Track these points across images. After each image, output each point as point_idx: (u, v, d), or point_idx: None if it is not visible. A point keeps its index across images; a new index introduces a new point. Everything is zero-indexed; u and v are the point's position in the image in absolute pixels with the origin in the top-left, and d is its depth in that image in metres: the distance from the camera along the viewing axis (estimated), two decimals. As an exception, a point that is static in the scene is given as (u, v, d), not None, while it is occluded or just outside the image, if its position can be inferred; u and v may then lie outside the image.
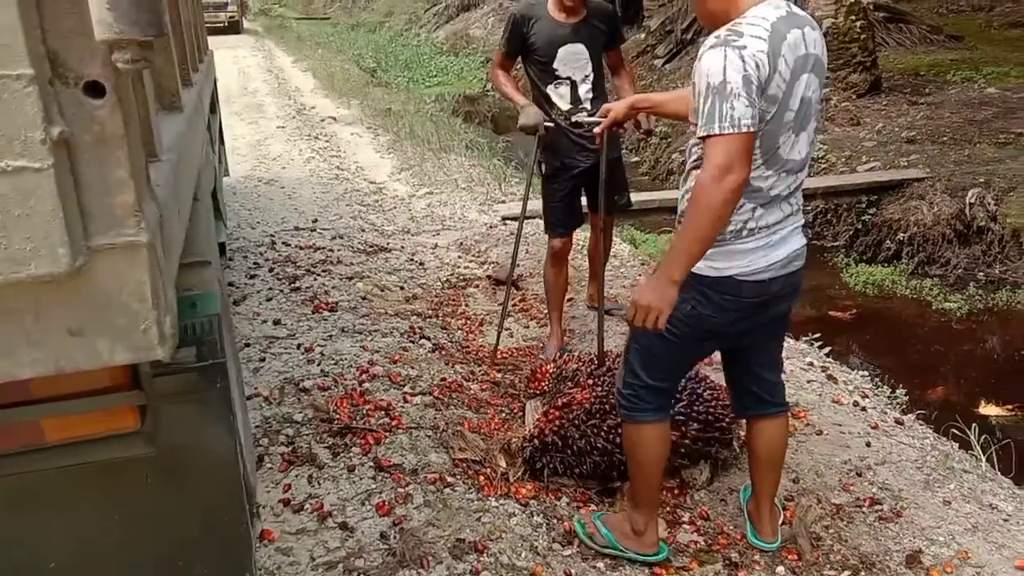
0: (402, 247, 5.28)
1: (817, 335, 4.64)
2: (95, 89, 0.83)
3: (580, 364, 3.01)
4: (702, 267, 2.10)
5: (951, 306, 6.35)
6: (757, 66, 1.89)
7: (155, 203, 0.95)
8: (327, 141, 8.57)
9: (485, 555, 2.35)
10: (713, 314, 2.15)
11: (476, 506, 2.58)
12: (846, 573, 2.40)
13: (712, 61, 1.91)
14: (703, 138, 1.94)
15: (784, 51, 1.94)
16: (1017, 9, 15.13)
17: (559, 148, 3.52)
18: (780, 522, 2.58)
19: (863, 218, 7.57)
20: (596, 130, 2.83)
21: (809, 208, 7.99)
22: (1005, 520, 2.67)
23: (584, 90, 3.49)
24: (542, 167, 3.61)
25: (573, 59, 3.44)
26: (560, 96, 3.49)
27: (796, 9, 2.04)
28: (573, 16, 3.41)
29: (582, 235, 4.50)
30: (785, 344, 4.01)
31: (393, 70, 17.01)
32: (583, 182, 3.62)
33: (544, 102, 3.51)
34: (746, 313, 2.18)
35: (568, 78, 3.46)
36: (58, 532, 1.43)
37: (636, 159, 10.32)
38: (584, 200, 3.75)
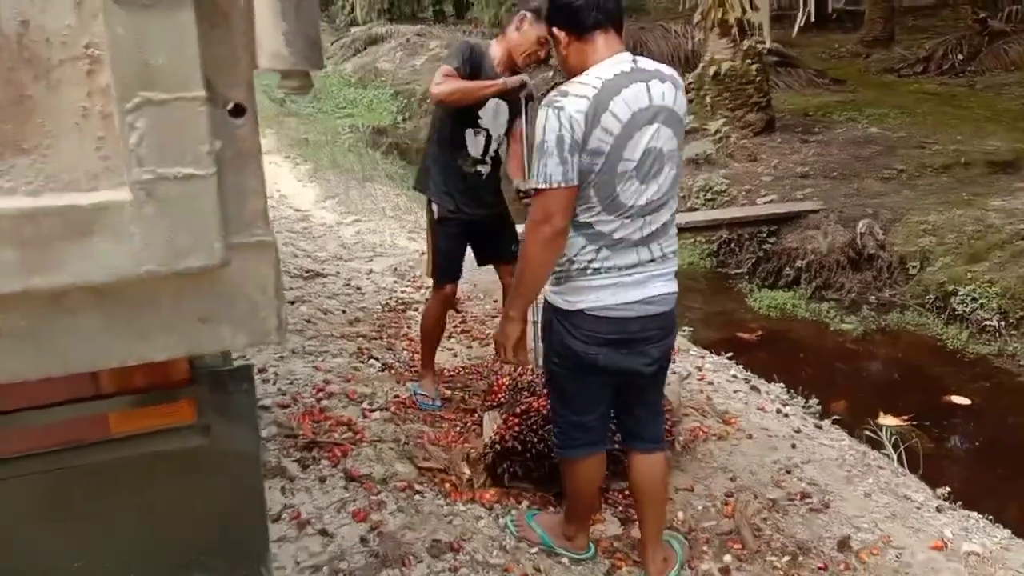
0: (337, 272, 5.37)
1: (729, 355, 4.99)
2: (238, 110, 0.98)
3: (535, 375, 3.20)
4: (557, 300, 2.32)
5: (847, 327, 6.86)
6: (571, 127, 2.09)
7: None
8: (246, 170, 8.55)
9: (461, 554, 2.50)
10: (581, 349, 2.29)
11: (446, 511, 2.73)
12: (786, 558, 2.67)
13: (538, 120, 2.16)
14: (532, 191, 2.19)
15: (615, 106, 2.10)
16: (890, 56, 16.40)
17: (456, 193, 3.43)
18: (676, 567, 2.59)
19: (764, 247, 8.06)
20: None
21: (715, 238, 8.50)
22: (918, 508, 3.00)
23: (493, 148, 3.46)
24: (433, 208, 3.49)
25: (498, 115, 3.40)
26: (475, 144, 3.41)
27: (645, 63, 2.23)
28: (506, 74, 3.35)
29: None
30: (710, 360, 4.36)
31: (302, 101, 16.96)
32: (476, 231, 3.55)
33: (455, 144, 3.41)
34: (610, 348, 2.29)
35: (486, 130, 3.41)
36: (95, 525, 1.52)
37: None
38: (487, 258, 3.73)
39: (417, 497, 2.77)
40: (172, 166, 0.91)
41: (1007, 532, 2.97)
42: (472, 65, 3.32)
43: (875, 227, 7.73)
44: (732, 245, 8.42)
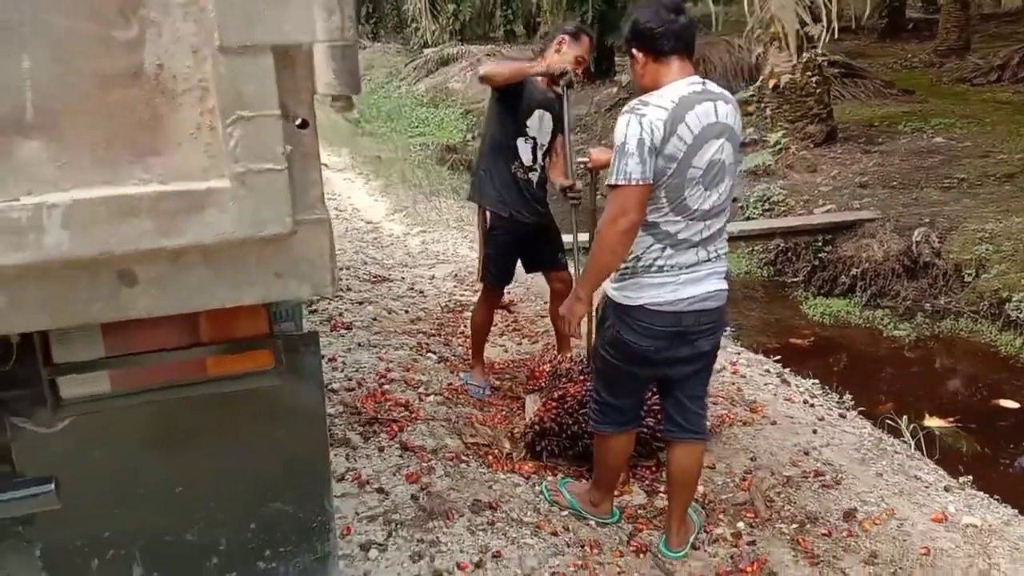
0: (402, 278, 5.80)
1: (778, 359, 5.21)
2: (303, 124, 1.36)
3: (572, 363, 3.54)
4: (618, 296, 2.56)
5: (900, 334, 6.95)
6: (652, 131, 2.32)
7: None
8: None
9: (498, 511, 2.85)
10: (633, 340, 2.55)
11: (487, 478, 3.09)
12: (794, 526, 2.93)
13: (620, 125, 2.39)
14: (609, 186, 2.43)
15: (688, 119, 2.36)
16: (963, 65, 16.13)
17: (510, 199, 3.69)
18: (695, 534, 2.89)
19: (820, 255, 8.19)
20: (589, 165, 3.32)
21: (771, 247, 8.66)
22: (926, 487, 3.22)
23: (540, 155, 3.71)
24: (487, 216, 3.78)
25: (543, 124, 3.67)
26: (525, 151, 3.67)
27: (712, 86, 2.48)
28: (549, 90, 3.68)
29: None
30: (745, 356, 4.60)
31: (376, 121, 17.69)
32: (524, 239, 3.79)
33: (508, 152, 3.67)
34: (664, 341, 2.55)
35: (534, 138, 3.68)
36: (191, 454, 1.92)
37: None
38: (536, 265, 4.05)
39: (463, 466, 3.13)
40: (257, 163, 1.29)
41: (1012, 510, 3.15)
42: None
43: (931, 235, 7.78)
44: (789, 254, 8.55)
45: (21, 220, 1.22)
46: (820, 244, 8.23)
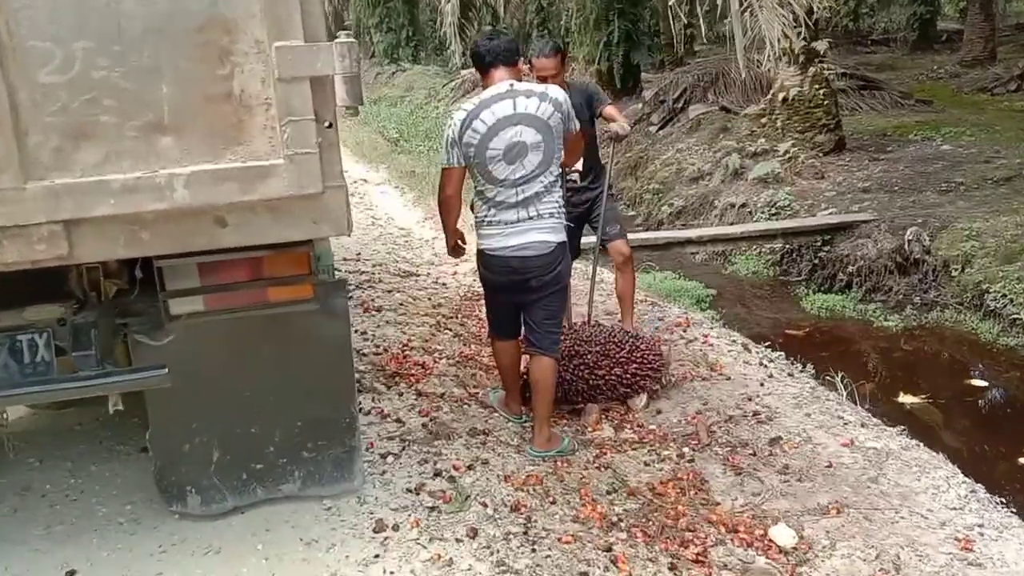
0: (428, 274, 6.60)
1: (767, 344, 5.86)
2: (329, 125, 2.16)
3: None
4: (478, 244, 3.48)
5: (889, 324, 7.54)
6: (452, 129, 3.27)
7: (342, 173, 2.28)
8: (361, 198, 10.00)
9: (490, 436, 3.60)
10: (483, 273, 3.56)
11: (484, 414, 3.85)
12: (727, 449, 3.63)
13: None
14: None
15: (483, 115, 3.22)
16: (985, 75, 16.51)
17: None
18: (558, 450, 3.55)
19: (819, 255, 8.80)
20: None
21: (778, 249, 9.30)
22: (845, 424, 3.88)
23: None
24: None
25: None
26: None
27: (520, 87, 3.28)
28: None
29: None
30: (716, 330, 5.30)
31: (414, 139, 18.57)
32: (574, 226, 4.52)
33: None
34: (503, 277, 3.45)
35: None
36: (254, 362, 2.72)
37: (632, 213, 11.77)
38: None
39: (465, 406, 3.89)
40: (301, 148, 2.09)
41: (915, 441, 3.80)
42: None
43: (922, 234, 8.34)
44: (793, 255, 9.16)
45: (160, 183, 2.04)
46: (819, 244, 8.84)
